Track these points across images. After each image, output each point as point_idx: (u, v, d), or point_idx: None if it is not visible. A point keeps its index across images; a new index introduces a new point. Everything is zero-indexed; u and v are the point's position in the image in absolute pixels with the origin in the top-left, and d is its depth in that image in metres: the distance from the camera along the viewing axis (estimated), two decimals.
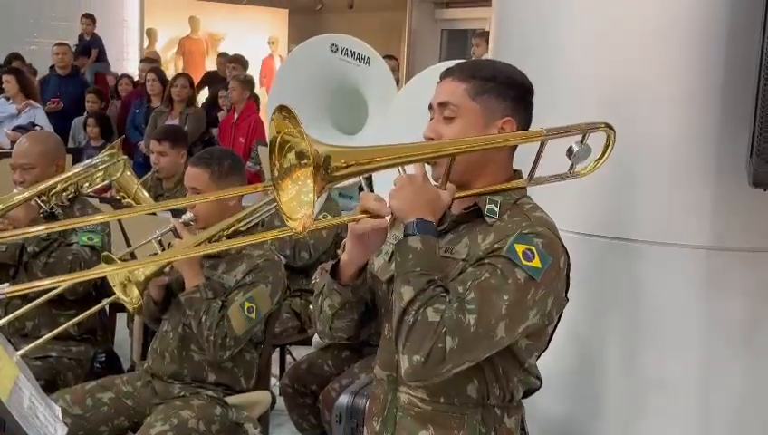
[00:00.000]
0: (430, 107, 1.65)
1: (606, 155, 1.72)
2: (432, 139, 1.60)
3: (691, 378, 2.02)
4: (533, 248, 1.50)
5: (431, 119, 1.64)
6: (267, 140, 1.61)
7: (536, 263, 1.49)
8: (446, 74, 1.64)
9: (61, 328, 2.74)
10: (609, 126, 1.72)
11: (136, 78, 8.25)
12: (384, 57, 5.56)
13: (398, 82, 6.15)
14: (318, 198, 1.39)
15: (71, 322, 2.76)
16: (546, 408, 2.12)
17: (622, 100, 2.02)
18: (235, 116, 6.11)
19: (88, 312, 2.75)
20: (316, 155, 1.37)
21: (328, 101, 4.78)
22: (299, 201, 1.42)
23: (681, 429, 2.03)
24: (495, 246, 1.52)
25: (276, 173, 1.45)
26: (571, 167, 1.70)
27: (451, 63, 1.77)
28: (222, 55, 8.46)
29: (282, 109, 1.41)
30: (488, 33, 6.78)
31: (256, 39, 12.04)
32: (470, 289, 1.46)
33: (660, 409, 2.02)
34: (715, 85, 1.94)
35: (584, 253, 2.08)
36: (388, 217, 1.53)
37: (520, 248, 1.50)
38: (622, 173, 2.04)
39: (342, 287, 1.61)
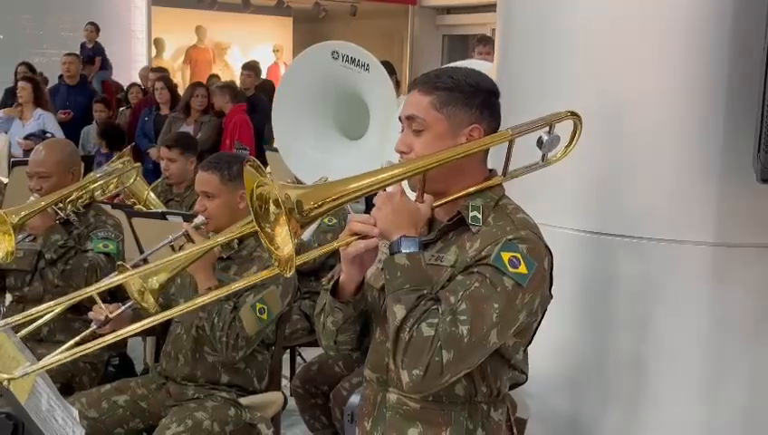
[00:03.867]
0: (400, 119, 1.67)
1: (574, 142, 1.75)
2: (403, 151, 1.64)
3: (698, 374, 2.04)
4: (519, 255, 1.53)
5: (401, 131, 1.66)
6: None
7: (522, 269, 1.53)
8: (413, 86, 1.67)
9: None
10: (573, 114, 1.74)
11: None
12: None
13: (398, 86, 6.26)
14: (296, 239, 1.45)
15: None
16: (551, 405, 2.14)
17: (627, 97, 2.04)
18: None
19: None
20: (287, 200, 1.42)
21: (332, 108, 4.81)
22: (283, 241, 1.48)
23: (688, 425, 2.05)
24: (482, 253, 1.55)
25: (270, 236, 1.50)
26: (543, 156, 1.73)
27: None
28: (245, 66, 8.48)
29: (248, 163, 1.47)
30: (488, 37, 6.83)
31: (261, 47, 12.13)
32: (461, 300, 1.49)
33: (667, 405, 2.04)
34: (721, 81, 1.96)
35: (590, 250, 2.10)
36: (376, 235, 1.55)
37: (506, 256, 1.53)
38: (627, 170, 2.06)
39: (343, 305, 1.65)
